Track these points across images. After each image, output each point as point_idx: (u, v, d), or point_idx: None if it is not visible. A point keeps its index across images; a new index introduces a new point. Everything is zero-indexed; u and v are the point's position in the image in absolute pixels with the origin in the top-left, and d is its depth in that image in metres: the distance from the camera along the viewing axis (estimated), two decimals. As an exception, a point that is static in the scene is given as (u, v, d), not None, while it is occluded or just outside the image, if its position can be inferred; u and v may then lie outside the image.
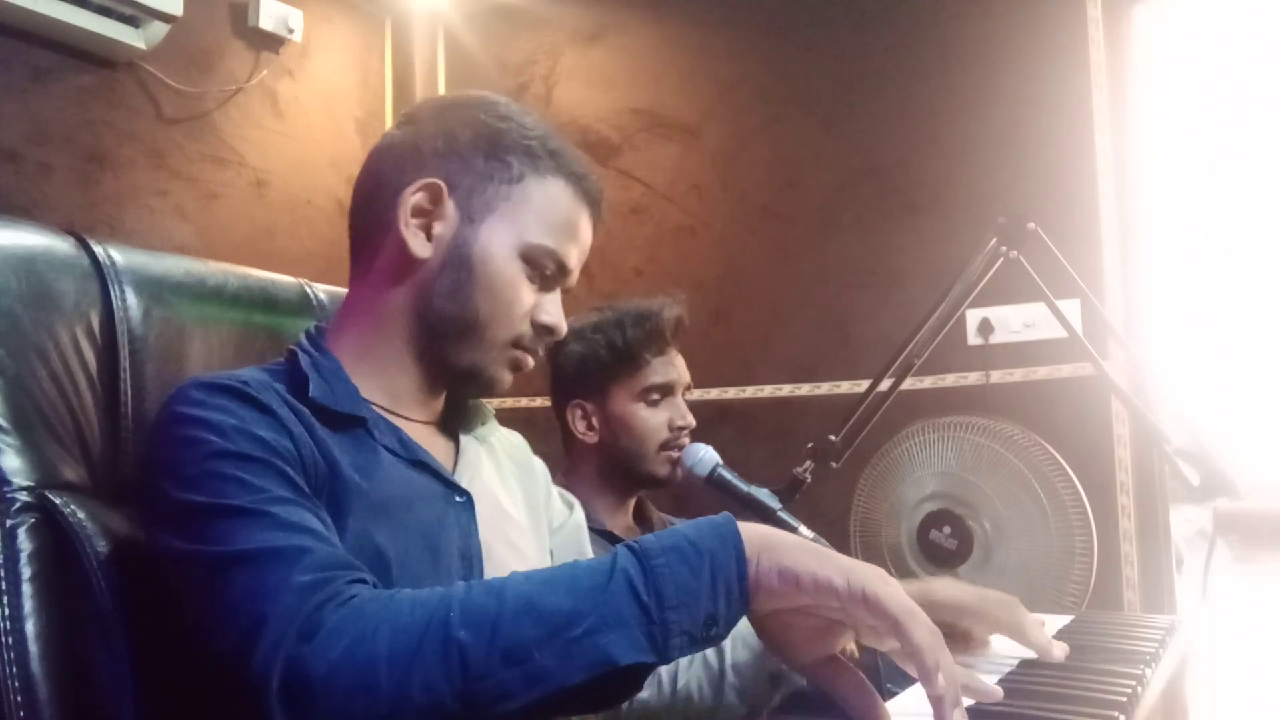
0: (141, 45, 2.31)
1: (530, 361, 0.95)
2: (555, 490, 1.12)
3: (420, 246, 0.90)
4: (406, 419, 0.93)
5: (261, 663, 0.63)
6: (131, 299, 0.89)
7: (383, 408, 0.91)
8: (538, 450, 1.15)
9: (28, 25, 2.14)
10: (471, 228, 0.91)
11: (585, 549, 1.11)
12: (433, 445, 0.94)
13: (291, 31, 2.73)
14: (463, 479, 0.93)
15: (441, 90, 3.15)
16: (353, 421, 0.85)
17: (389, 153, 0.95)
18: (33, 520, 0.78)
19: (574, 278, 0.97)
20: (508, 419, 1.10)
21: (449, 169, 0.91)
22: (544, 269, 0.92)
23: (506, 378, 0.94)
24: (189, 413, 0.77)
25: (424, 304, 0.91)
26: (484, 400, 1.03)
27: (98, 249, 0.89)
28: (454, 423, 1.00)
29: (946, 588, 0.96)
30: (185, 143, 2.53)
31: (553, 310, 0.94)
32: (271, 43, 2.73)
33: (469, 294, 0.90)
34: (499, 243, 0.91)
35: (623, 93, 2.92)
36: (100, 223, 2.32)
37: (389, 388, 0.92)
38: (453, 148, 0.92)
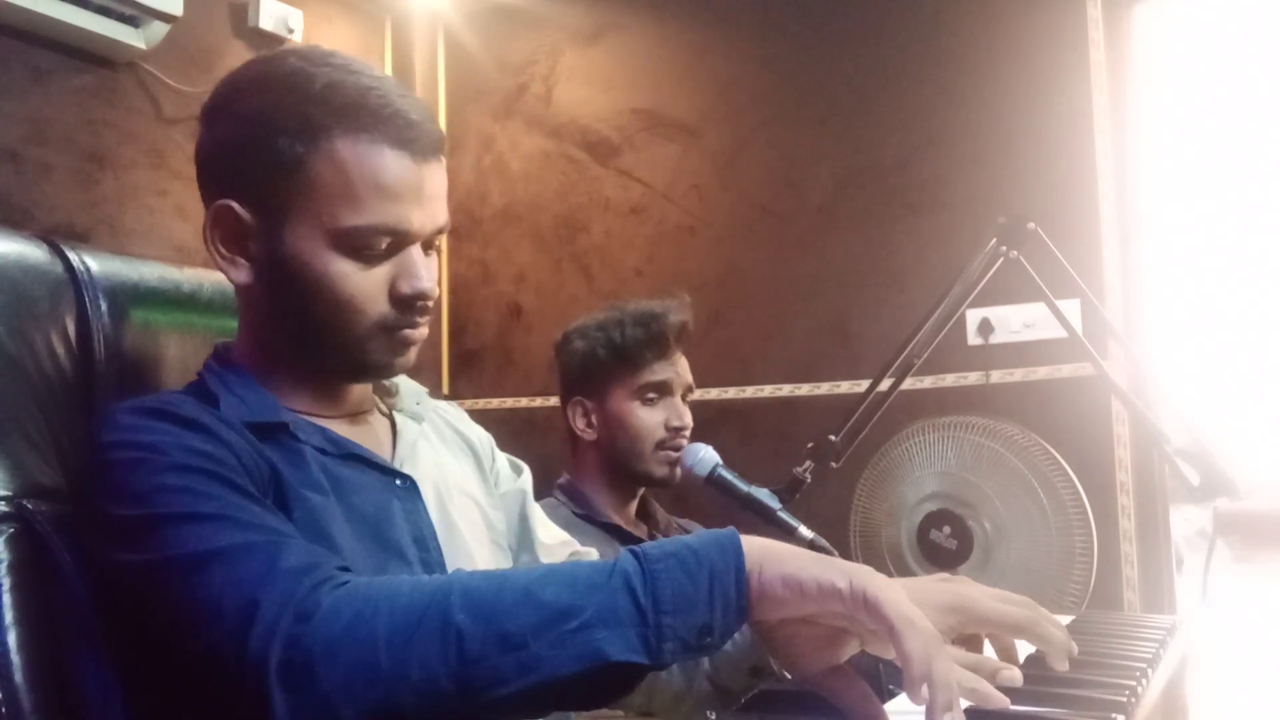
0: (141, 45, 2.31)
1: (416, 335, 0.86)
2: (502, 456, 1.10)
3: (241, 274, 0.84)
4: (329, 417, 0.90)
5: (258, 644, 0.62)
6: (106, 305, 0.89)
7: (305, 411, 0.88)
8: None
9: (28, 25, 2.14)
10: (276, 237, 0.82)
11: (528, 513, 1.08)
12: (364, 434, 0.91)
13: (291, 31, 2.72)
14: (403, 463, 0.91)
15: (441, 92, 3.16)
16: (275, 429, 0.83)
17: (196, 174, 0.87)
18: (11, 530, 0.77)
19: (429, 228, 0.84)
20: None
21: (232, 180, 0.83)
22: (373, 247, 0.81)
23: (396, 360, 0.87)
24: (123, 438, 0.75)
25: (275, 323, 0.86)
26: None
27: (72, 255, 0.89)
28: (385, 405, 0.97)
29: (986, 600, 0.76)
30: (185, 143, 2.52)
31: (411, 275, 0.83)
32: (271, 43, 2.72)
33: (302, 305, 0.82)
34: (305, 244, 0.81)
35: (623, 93, 2.92)
36: (100, 223, 2.32)
37: (298, 394, 0.89)
38: (226, 154, 0.83)
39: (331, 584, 0.66)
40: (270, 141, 0.80)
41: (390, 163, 0.80)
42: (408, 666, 0.61)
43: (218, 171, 0.85)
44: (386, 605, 0.63)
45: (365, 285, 0.82)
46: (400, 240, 0.83)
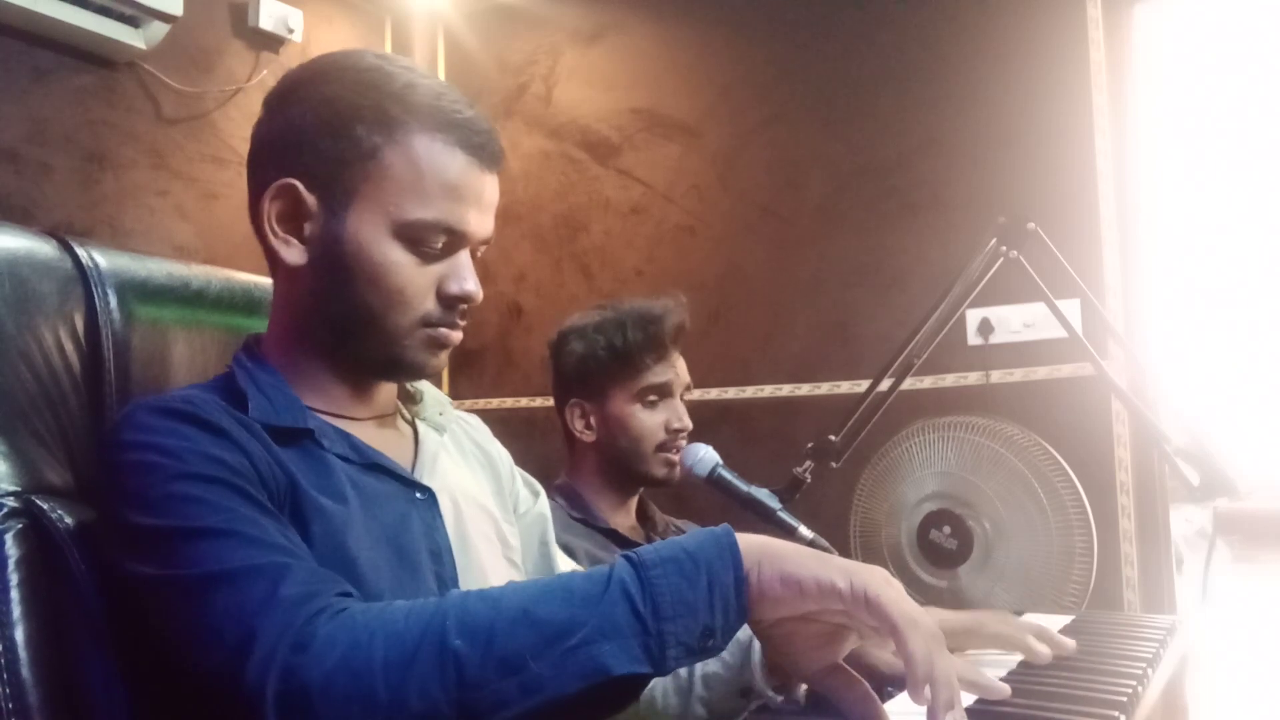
0: (141, 45, 2.31)
1: (454, 336, 0.88)
2: (520, 474, 1.10)
3: (294, 254, 0.85)
4: (354, 420, 0.90)
5: (255, 677, 0.62)
6: (114, 302, 0.89)
7: (328, 413, 0.88)
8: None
9: (28, 25, 2.14)
10: (337, 220, 0.83)
11: (549, 540, 1.09)
12: (388, 442, 0.91)
13: (291, 31, 2.73)
14: (423, 474, 0.91)
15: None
16: (299, 434, 0.83)
17: (251, 153, 0.88)
18: (19, 526, 0.78)
19: (482, 234, 0.87)
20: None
21: (299, 161, 0.84)
22: (430, 243, 0.84)
23: (431, 360, 0.88)
24: (141, 438, 0.75)
25: (318, 307, 0.86)
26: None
27: (81, 252, 0.89)
28: (409, 412, 0.97)
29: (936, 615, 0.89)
30: (185, 143, 2.52)
31: (461, 277, 0.85)
32: (271, 43, 2.73)
33: (353, 291, 0.83)
34: (367, 230, 0.82)
35: (623, 93, 2.92)
36: (100, 223, 2.32)
37: (325, 392, 0.89)
38: (298, 136, 0.84)
39: (329, 613, 0.65)
40: (347, 128, 0.82)
41: (461, 165, 0.84)
42: (407, 696, 0.61)
43: (283, 152, 0.85)
44: (382, 633, 0.63)
45: (417, 279, 0.84)
46: (456, 241, 0.85)
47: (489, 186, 0.87)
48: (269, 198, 0.85)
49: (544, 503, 1.10)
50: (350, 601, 0.67)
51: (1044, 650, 0.89)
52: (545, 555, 1.08)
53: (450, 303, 0.86)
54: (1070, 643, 0.95)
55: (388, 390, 0.95)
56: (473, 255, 0.88)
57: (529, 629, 0.62)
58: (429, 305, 0.85)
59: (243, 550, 0.69)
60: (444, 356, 0.89)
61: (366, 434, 0.89)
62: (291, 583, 0.67)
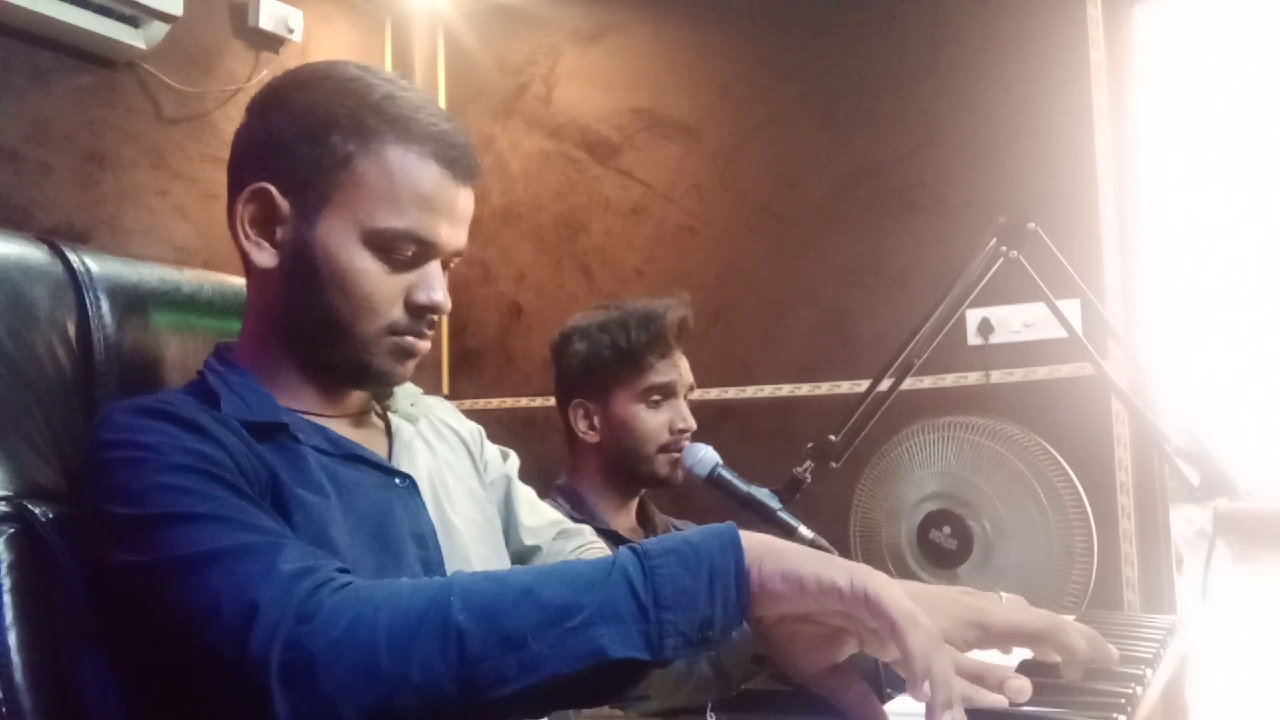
0: (141, 45, 2.31)
1: (421, 345, 0.89)
2: (491, 446, 1.10)
3: (265, 257, 0.86)
4: (328, 418, 0.91)
5: (259, 647, 0.63)
6: (106, 306, 0.89)
7: (303, 411, 0.89)
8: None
9: (28, 25, 2.14)
10: (308, 225, 0.84)
11: (513, 497, 1.08)
12: (362, 435, 0.92)
13: (291, 31, 2.72)
14: (399, 464, 0.92)
15: (441, 92, 3.16)
16: (274, 429, 0.83)
17: (231, 157, 0.90)
18: (11, 530, 0.78)
19: (453, 246, 0.88)
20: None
21: (275, 166, 0.85)
22: (400, 251, 0.84)
23: (397, 368, 0.89)
24: (120, 437, 0.76)
25: (287, 312, 0.87)
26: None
27: (72, 256, 0.89)
28: (381, 407, 0.98)
29: (1004, 612, 0.76)
30: (185, 143, 2.52)
31: (429, 287, 0.86)
32: (271, 43, 2.73)
33: (322, 296, 0.84)
34: (337, 236, 0.84)
35: (623, 93, 2.92)
36: (100, 223, 2.32)
37: (297, 393, 0.89)
38: (275, 141, 0.86)
39: (332, 586, 0.66)
40: (323, 135, 0.84)
41: (434, 176, 0.85)
42: (409, 667, 0.62)
43: (261, 156, 0.86)
44: (387, 607, 0.64)
45: (384, 287, 0.85)
46: (426, 251, 0.86)
47: (463, 199, 0.88)
48: (243, 200, 0.86)
49: (512, 464, 1.11)
50: (351, 577, 0.68)
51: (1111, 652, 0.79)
52: (509, 513, 1.07)
53: (418, 312, 0.87)
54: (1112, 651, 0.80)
55: (360, 391, 0.95)
56: (444, 267, 0.89)
57: (531, 608, 0.63)
58: (396, 313, 0.86)
59: (233, 532, 0.69)
60: (411, 366, 0.90)
61: (340, 429, 0.90)
62: (289, 558, 0.67)
